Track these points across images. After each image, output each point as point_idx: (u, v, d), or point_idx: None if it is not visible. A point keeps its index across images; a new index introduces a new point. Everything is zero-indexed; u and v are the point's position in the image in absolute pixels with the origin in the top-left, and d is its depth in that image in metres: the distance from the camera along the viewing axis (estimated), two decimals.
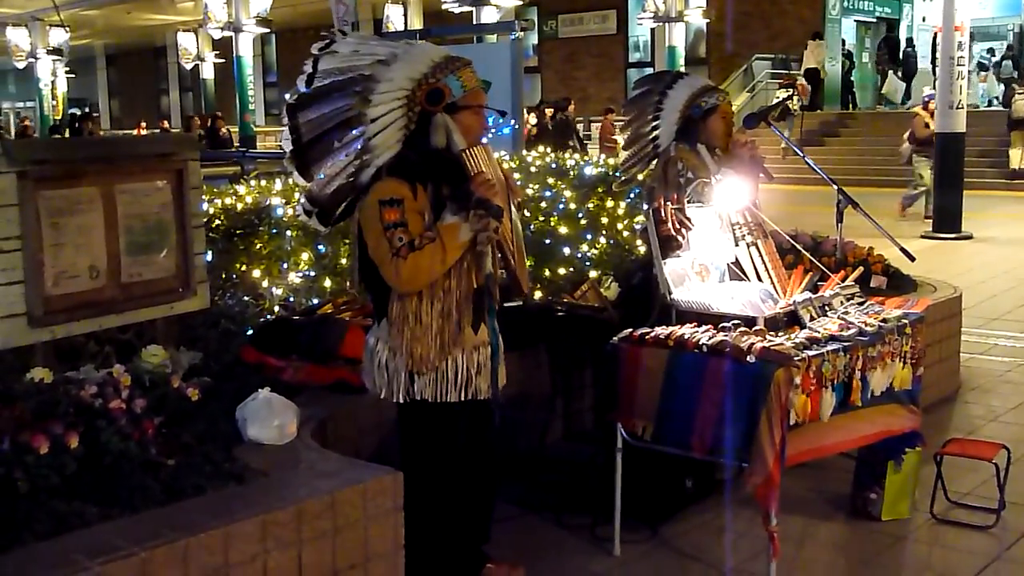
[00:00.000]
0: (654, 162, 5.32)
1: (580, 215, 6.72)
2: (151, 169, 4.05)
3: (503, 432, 4.07)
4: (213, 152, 17.53)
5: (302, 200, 3.82)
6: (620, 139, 5.45)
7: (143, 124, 31.81)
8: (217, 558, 2.92)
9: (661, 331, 4.20)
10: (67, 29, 30.46)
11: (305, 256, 5.38)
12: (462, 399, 3.76)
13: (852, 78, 26.86)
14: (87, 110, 38.86)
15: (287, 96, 3.75)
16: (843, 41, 27.20)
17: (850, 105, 26.54)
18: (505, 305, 4.51)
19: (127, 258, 3.92)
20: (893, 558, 4.45)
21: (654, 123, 5.30)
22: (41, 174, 3.61)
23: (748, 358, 3.86)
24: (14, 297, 3.55)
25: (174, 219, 4.09)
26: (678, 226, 4.63)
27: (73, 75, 37.63)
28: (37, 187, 3.59)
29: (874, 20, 29.38)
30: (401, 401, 3.73)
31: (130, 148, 4.28)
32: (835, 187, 5.26)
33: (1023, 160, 19.84)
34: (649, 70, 27.34)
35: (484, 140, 3.85)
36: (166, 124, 32.45)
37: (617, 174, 5.75)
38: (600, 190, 7.02)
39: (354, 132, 3.67)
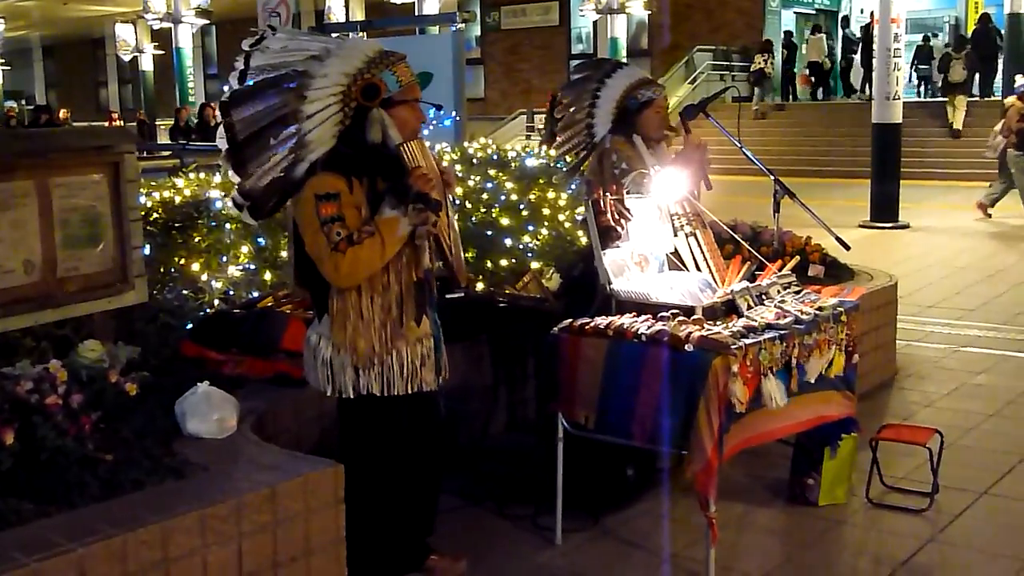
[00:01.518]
0: (591, 152, 5.35)
1: (522, 206, 6.73)
2: (87, 162, 3.99)
3: (446, 424, 4.09)
4: (150, 144, 17.38)
5: (234, 193, 3.79)
6: None
7: (115, 114, 30.49)
8: (156, 553, 2.91)
9: (601, 321, 4.24)
10: (3, 19, 29.94)
11: (245, 249, 5.34)
12: (409, 392, 3.77)
13: (795, 70, 27.10)
14: (23, 102, 38.21)
15: (225, 87, 3.73)
16: (789, 33, 27.43)
17: (790, 96, 26.81)
18: (447, 297, 4.52)
19: (63, 252, 3.87)
20: (830, 542, 4.53)
21: (590, 111, 5.34)
22: None
23: (686, 347, 3.91)
24: None
25: (111, 212, 4.04)
26: (617, 217, 4.67)
27: (9, 67, 37.01)
28: None
29: (814, 12, 29.69)
30: (350, 396, 3.72)
31: (65, 141, 4.23)
32: (772, 177, 5.34)
33: (960, 121, 21.22)
34: None
35: (424, 133, 3.86)
36: (142, 115, 31.15)
37: (558, 164, 5.77)
38: (542, 181, 7.03)
39: (289, 129, 3.65)
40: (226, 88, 3.67)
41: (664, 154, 5.11)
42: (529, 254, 6.47)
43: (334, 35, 4.10)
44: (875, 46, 15.01)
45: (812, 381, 4.30)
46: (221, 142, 3.67)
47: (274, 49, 3.72)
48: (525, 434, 5.41)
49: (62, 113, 27.47)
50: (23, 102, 39.64)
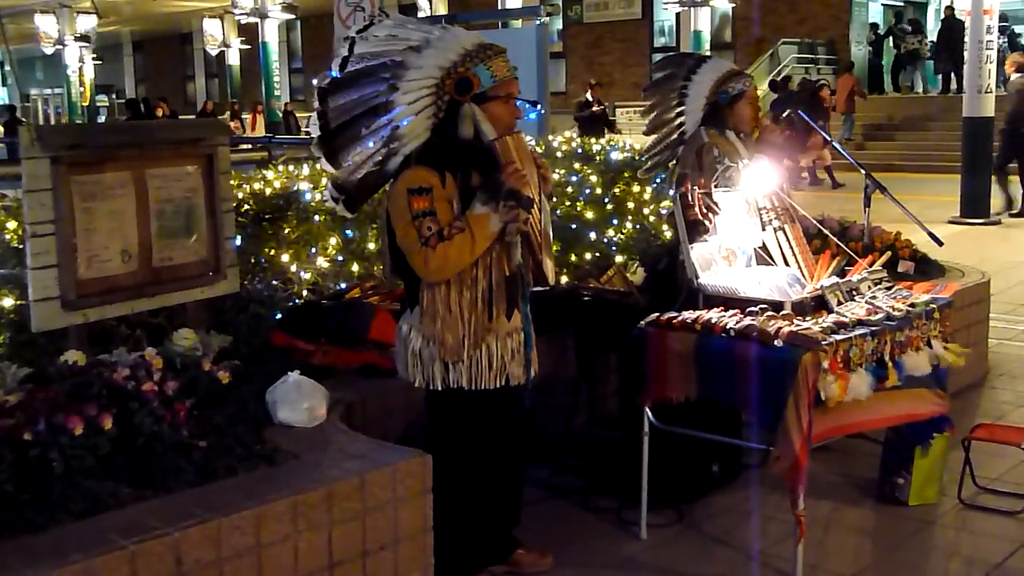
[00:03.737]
0: (680, 148, 5.30)
1: (606, 200, 6.73)
2: (182, 154, 4.07)
3: (529, 416, 4.10)
4: (238, 137, 17.72)
5: (329, 187, 3.83)
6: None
7: (260, 107, 30.09)
8: (249, 538, 2.96)
9: (688, 315, 4.21)
10: (99, 15, 30.59)
11: (333, 241, 5.40)
12: (497, 386, 3.78)
13: (884, 63, 26.62)
14: (115, 96, 39.03)
15: (315, 81, 3.76)
16: (875, 25, 26.96)
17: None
18: (532, 289, 4.53)
19: (158, 242, 3.95)
20: (920, 543, 4.45)
21: (679, 109, 5.28)
22: (74, 159, 3.64)
23: (775, 342, 3.87)
24: (48, 281, 3.58)
25: (204, 204, 4.11)
26: (705, 211, 4.62)
27: (100, 61, 37.80)
28: (70, 172, 3.62)
29: (902, 3, 29.13)
30: (438, 389, 3.74)
31: (161, 134, 4.31)
32: (863, 172, 5.26)
33: None
34: None
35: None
36: (289, 106, 29.97)
37: (642, 158, 5.73)
38: (626, 175, 7.02)
39: (382, 120, 3.67)
40: (333, 69, 3.69)
41: (752, 146, 5.04)
42: (613, 248, 6.47)
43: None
44: (967, 38, 14.65)
45: (917, 375, 4.23)
46: (314, 128, 3.70)
47: (379, 37, 3.71)
48: (608, 428, 5.39)
49: (208, 105, 27.14)
50: (114, 95, 40.51)
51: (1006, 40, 25.23)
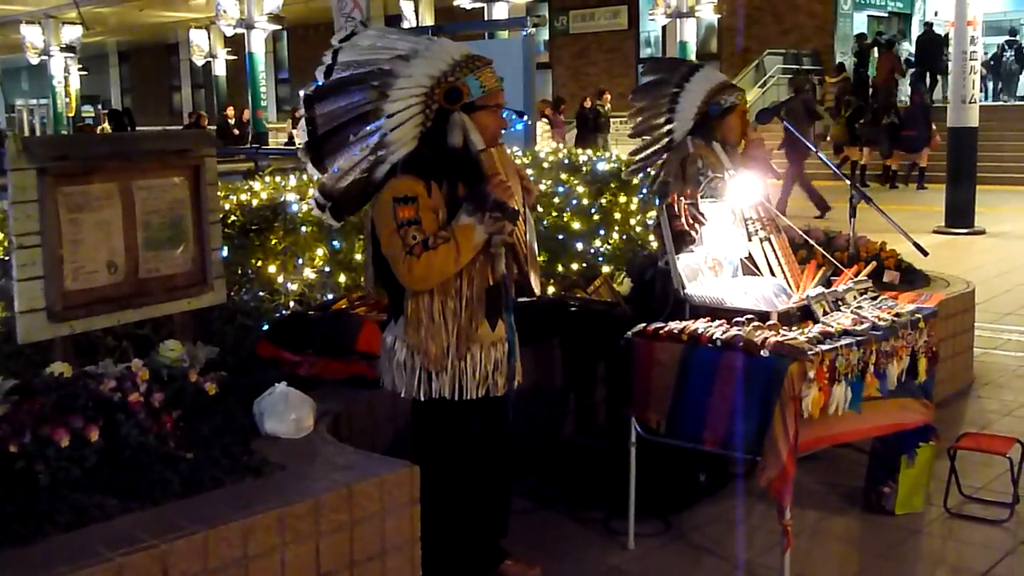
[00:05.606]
0: (666, 155, 5.31)
1: (593, 210, 6.74)
2: (168, 165, 4.06)
3: (516, 427, 4.10)
4: (225, 148, 17.65)
5: (315, 194, 3.84)
6: None
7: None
8: (236, 550, 2.95)
9: (675, 326, 4.22)
10: (85, 26, 30.51)
11: (320, 252, 5.40)
12: (479, 395, 3.78)
13: (870, 74, 26.74)
14: (100, 107, 38.90)
15: (301, 92, 3.77)
16: (861, 35, 27.09)
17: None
18: (518, 300, 4.54)
19: (145, 253, 3.94)
20: (907, 552, 4.46)
21: (668, 115, 5.29)
22: (60, 170, 3.63)
23: (762, 352, 3.88)
24: (34, 292, 3.58)
25: (191, 215, 4.11)
26: (691, 221, 4.64)
27: (86, 72, 37.71)
28: (56, 183, 3.61)
29: (886, 15, 29.27)
30: (421, 399, 3.75)
31: (148, 145, 4.30)
32: (848, 182, 5.28)
33: None
34: None
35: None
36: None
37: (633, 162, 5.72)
38: (613, 185, 7.04)
39: (370, 127, 3.68)
40: (318, 76, 3.70)
41: (737, 157, 5.06)
42: (600, 258, 6.49)
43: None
44: (950, 49, 14.75)
45: (892, 388, 4.24)
46: (301, 134, 3.72)
47: (363, 46, 3.73)
48: (596, 438, 5.40)
49: (245, 114, 26.68)
50: (99, 106, 40.38)
51: (1013, 54, 25.46)
